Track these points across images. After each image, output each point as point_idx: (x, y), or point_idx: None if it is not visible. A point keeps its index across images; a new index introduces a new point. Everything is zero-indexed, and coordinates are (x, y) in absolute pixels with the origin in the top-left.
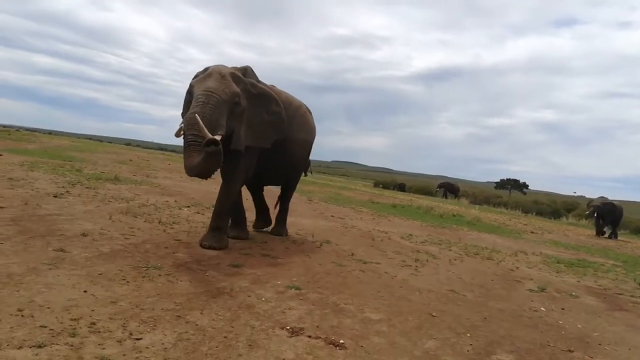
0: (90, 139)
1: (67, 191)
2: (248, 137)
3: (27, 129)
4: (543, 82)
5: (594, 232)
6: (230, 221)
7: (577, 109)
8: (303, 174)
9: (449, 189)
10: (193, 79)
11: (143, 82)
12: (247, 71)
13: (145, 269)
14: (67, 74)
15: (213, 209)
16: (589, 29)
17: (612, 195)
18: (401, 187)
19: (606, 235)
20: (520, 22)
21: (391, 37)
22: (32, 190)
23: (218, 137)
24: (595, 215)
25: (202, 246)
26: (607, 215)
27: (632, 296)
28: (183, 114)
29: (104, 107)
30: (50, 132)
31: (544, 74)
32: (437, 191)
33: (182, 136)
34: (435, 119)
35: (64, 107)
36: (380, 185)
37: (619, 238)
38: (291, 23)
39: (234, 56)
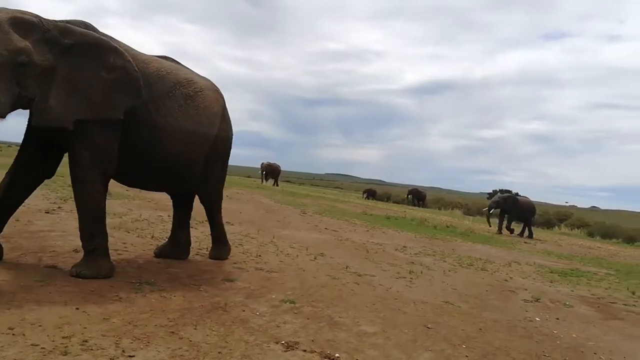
0: None
1: (59, 207)
2: (77, 107)
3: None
4: (533, 94)
5: (497, 229)
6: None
7: (567, 120)
8: (273, 183)
9: (417, 196)
10: None
11: None
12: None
13: (138, 284)
14: None
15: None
16: (578, 42)
17: (605, 205)
18: (371, 194)
19: (524, 232)
20: (510, 37)
21: (384, 51)
22: (24, 206)
23: None
24: (497, 210)
25: (71, 275)
26: (510, 210)
27: (625, 305)
28: None
29: None
30: None
31: (534, 87)
32: (407, 197)
33: None
34: (427, 131)
35: None
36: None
37: (534, 236)
38: (285, 38)
39: (227, 70)
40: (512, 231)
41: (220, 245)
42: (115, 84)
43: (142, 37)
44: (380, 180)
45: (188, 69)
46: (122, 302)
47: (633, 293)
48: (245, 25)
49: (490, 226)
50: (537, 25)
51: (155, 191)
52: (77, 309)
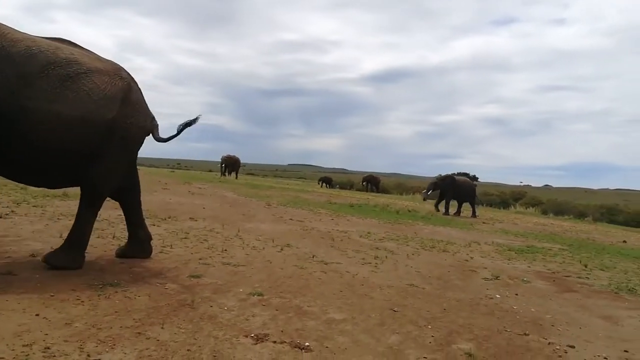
0: None
1: (12, 211)
2: None
3: None
4: (486, 79)
5: (437, 210)
6: None
7: (519, 103)
8: (232, 175)
9: (372, 182)
10: None
11: None
12: None
13: (100, 286)
14: None
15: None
16: (526, 27)
17: (556, 183)
18: (326, 181)
19: (464, 212)
20: (462, 23)
21: (341, 40)
22: None
23: None
24: (435, 191)
25: None
26: (449, 191)
27: (579, 277)
28: None
29: None
30: None
31: (487, 71)
32: (363, 184)
33: None
34: (386, 118)
35: None
36: (337, 186)
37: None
38: (241, 29)
39: (184, 64)
40: (459, 213)
41: (62, 248)
42: None
43: (91, 31)
44: (343, 169)
45: (81, 49)
46: (84, 305)
47: (585, 266)
48: (201, 17)
49: (438, 210)
50: (487, 12)
51: (41, 186)
52: (37, 315)
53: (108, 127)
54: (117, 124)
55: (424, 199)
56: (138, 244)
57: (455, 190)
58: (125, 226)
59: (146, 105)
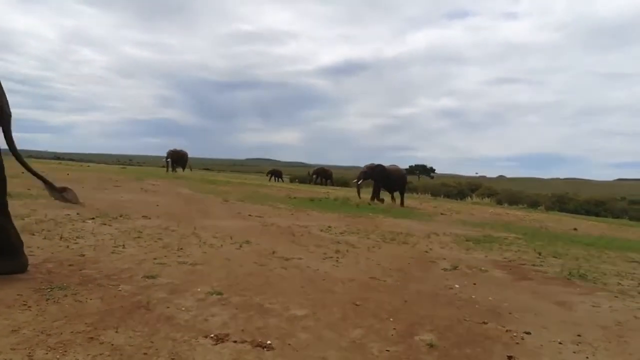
0: None
1: None
2: None
3: None
4: (442, 71)
5: (371, 198)
6: None
7: (473, 95)
8: (182, 171)
9: (323, 175)
10: None
11: (33, 87)
12: None
13: (48, 290)
14: None
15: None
16: (478, 21)
17: (510, 174)
18: (276, 174)
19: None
20: (417, 16)
21: (297, 32)
22: None
23: None
24: (366, 180)
25: None
26: (379, 179)
27: (533, 265)
28: None
29: None
30: None
31: (442, 64)
32: (313, 177)
33: None
34: (345, 111)
35: None
36: (297, 180)
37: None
38: (194, 20)
39: (133, 56)
40: (382, 201)
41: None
42: None
43: (32, 20)
44: (302, 163)
45: None
46: (31, 310)
47: (539, 254)
48: (149, 7)
49: (360, 197)
50: (441, 5)
51: None
52: None
53: None
54: None
55: (358, 189)
56: None
57: (386, 179)
58: (74, 225)
59: None
